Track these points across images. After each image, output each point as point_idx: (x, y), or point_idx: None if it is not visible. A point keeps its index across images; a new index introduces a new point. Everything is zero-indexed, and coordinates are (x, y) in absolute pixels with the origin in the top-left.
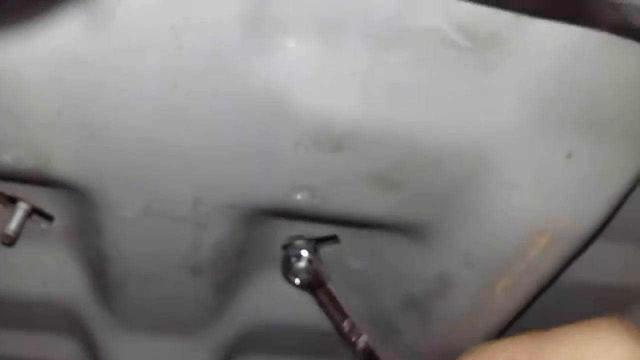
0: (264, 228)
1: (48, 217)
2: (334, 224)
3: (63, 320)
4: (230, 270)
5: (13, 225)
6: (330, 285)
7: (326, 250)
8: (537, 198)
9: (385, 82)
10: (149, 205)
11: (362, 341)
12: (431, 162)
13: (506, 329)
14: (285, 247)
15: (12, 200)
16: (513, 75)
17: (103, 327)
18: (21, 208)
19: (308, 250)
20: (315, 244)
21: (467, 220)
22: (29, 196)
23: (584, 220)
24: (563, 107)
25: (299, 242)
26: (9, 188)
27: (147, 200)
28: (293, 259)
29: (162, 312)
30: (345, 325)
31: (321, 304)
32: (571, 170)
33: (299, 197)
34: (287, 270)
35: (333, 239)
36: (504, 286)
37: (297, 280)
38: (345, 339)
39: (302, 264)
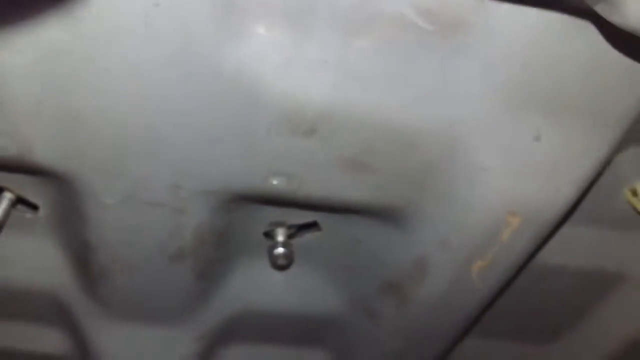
0: (244, 214)
1: (33, 207)
2: (313, 210)
3: (49, 310)
4: (212, 257)
5: None
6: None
7: (307, 236)
8: (507, 180)
9: (354, 67)
10: (129, 191)
11: None
12: (402, 145)
13: (485, 311)
14: (266, 233)
15: None
16: (479, 59)
17: (89, 316)
18: (6, 197)
19: (289, 236)
20: (297, 230)
21: (441, 203)
22: (14, 186)
23: (554, 201)
24: (529, 90)
25: (279, 229)
26: None
27: (127, 186)
28: (273, 246)
29: (147, 299)
30: None
31: None
32: (540, 153)
33: (275, 182)
34: (269, 256)
35: (314, 225)
36: (479, 267)
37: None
38: None
39: (280, 249)
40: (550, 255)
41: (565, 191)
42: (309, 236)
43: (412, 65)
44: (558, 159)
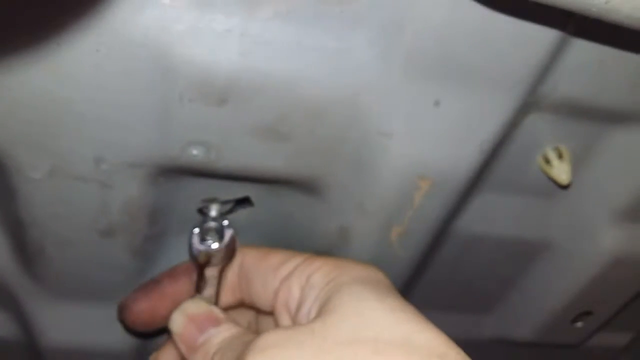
0: (174, 190)
1: None
2: (240, 181)
3: None
4: (145, 234)
5: None
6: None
7: (241, 213)
8: (412, 145)
9: (258, 37)
10: (54, 165)
11: None
12: (311, 114)
13: (414, 282)
14: (200, 210)
15: None
16: (374, 27)
17: (29, 296)
18: None
19: (222, 213)
20: (231, 207)
21: (355, 170)
22: None
23: (460, 164)
24: (424, 57)
25: (212, 205)
26: None
27: (52, 160)
28: (204, 220)
29: (84, 277)
30: None
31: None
32: (440, 118)
33: (194, 152)
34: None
35: (246, 201)
36: (398, 233)
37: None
38: None
39: (212, 224)
40: (473, 224)
41: (469, 154)
42: (243, 213)
43: (312, 35)
44: (459, 124)
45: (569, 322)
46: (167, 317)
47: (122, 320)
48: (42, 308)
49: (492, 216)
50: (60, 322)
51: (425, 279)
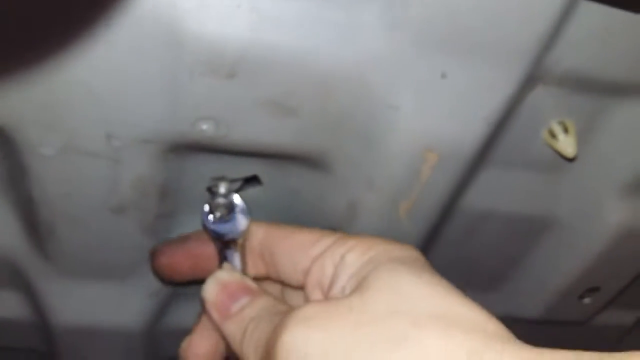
0: (184, 167)
1: None
2: (249, 157)
3: (2, 273)
4: (155, 211)
5: None
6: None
7: (250, 191)
8: (420, 118)
9: (267, 10)
10: (66, 142)
11: None
12: (319, 88)
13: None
14: (209, 189)
15: None
16: (380, 0)
17: (41, 276)
18: None
19: (229, 189)
20: (239, 185)
21: (363, 144)
22: None
23: (466, 138)
24: (430, 28)
25: (221, 184)
26: None
27: (63, 137)
28: (213, 197)
29: (95, 255)
30: None
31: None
32: (447, 90)
33: (204, 127)
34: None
35: (254, 179)
36: (406, 208)
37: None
38: None
39: (220, 200)
40: (479, 200)
41: (476, 127)
42: (251, 191)
43: (320, 9)
44: (465, 96)
45: (576, 298)
46: (188, 275)
47: (151, 266)
48: (53, 287)
49: (498, 192)
50: (71, 301)
51: (432, 257)
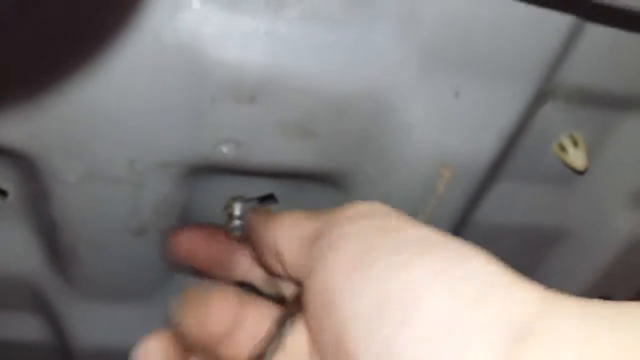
0: (203, 188)
1: (2, 192)
2: (267, 178)
3: (23, 296)
4: None
5: None
6: None
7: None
8: (434, 134)
9: (285, 36)
10: (90, 168)
11: None
12: (336, 110)
13: None
14: (226, 207)
15: None
16: (393, 19)
17: (62, 299)
18: None
19: (244, 209)
20: (255, 204)
21: (380, 162)
22: None
23: (480, 153)
24: (443, 49)
25: (236, 204)
26: None
27: (87, 163)
28: (229, 220)
29: (116, 277)
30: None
31: None
32: (460, 108)
33: (225, 150)
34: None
35: (270, 197)
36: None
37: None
38: None
39: (236, 222)
40: (492, 214)
41: (489, 142)
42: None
43: (336, 33)
44: (479, 113)
45: None
46: (202, 261)
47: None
48: (73, 310)
49: (510, 205)
50: (91, 323)
51: None
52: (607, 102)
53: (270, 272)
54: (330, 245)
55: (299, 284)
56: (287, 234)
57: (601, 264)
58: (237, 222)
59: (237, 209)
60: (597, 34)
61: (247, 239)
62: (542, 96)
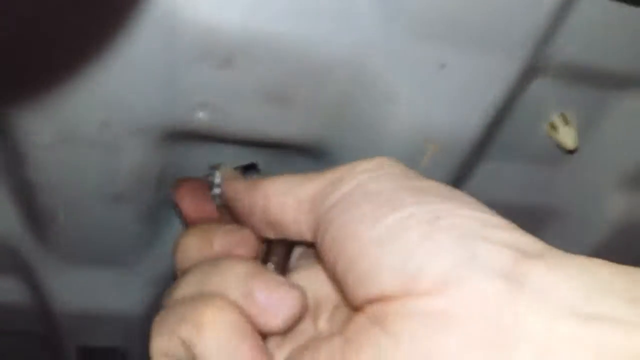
0: (182, 155)
1: None
2: (246, 146)
3: (3, 259)
4: (154, 199)
5: None
6: None
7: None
8: (419, 108)
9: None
10: (62, 130)
11: None
12: (315, 77)
13: None
14: (208, 176)
15: None
16: None
17: (41, 262)
18: None
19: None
20: (238, 172)
21: (362, 133)
22: None
23: (466, 129)
24: (429, 18)
25: (217, 172)
26: None
27: (59, 125)
28: (210, 187)
29: (94, 243)
30: None
31: None
32: (446, 81)
33: (201, 115)
34: None
35: (253, 167)
36: None
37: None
38: None
39: (216, 190)
40: (479, 192)
41: (475, 118)
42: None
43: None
44: (465, 87)
45: None
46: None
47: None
48: (53, 274)
49: (499, 184)
50: (71, 286)
51: None
52: (599, 80)
53: (258, 236)
54: (350, 197)
55: (292, 245)
56: (280, 199)
57: (590, 246)
58: (217, 190)
59: (218, 177)
60: (590, 9)
61: (227, 206)
62: (531, 71)
